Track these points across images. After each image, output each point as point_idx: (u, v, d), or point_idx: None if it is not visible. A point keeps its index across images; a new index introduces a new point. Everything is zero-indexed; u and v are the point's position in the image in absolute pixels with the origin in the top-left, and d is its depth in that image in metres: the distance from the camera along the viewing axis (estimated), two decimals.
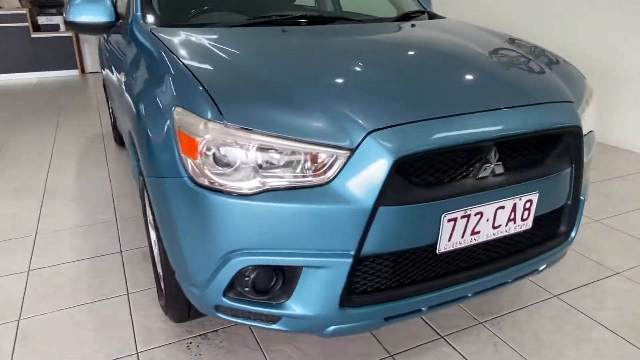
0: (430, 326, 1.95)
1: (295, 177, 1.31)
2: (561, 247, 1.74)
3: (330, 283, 1.34)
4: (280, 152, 1.30)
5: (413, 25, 2.22)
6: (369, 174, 1.27)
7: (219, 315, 1.48)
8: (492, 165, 1.43)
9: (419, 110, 1.37)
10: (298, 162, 1.31)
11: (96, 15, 2.19)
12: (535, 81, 1.66)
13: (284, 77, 1.48)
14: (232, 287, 1.41)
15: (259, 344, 1.85)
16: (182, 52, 1.65)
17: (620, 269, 2.35)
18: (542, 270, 1.77)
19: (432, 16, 2.61)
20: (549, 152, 1.56)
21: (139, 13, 2.11)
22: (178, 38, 1.80)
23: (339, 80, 1.48)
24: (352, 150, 1.29)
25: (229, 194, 1.31)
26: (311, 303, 1.38)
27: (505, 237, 1.57)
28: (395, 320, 1.50)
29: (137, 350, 1.83)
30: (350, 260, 1.32)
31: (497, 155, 1.43)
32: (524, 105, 1.49)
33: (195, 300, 1.53)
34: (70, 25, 2.23)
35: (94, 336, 1.90)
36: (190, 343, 1.86)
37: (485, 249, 1.56)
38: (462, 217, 1.41)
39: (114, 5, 2.23)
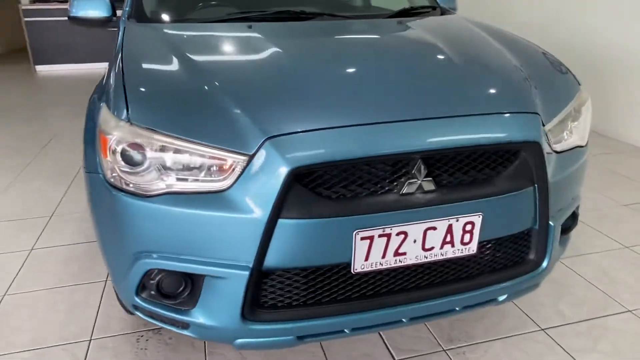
0: (387, 346, 1.81)
1: (196, 181, 1.26)
2: (528, 277, 1.54)
3: (230, 295, 1.28)
4: (182, 155, 1.25)
5: (399, 23, 2.06)
6: (265, 183, 1.19)
7: (139, 314, 1.47)
8: (419, 181, 1.27)
9: (330, 117, 1.26)
10: (199, 166, 1.25)
11: (96, 10, 2.27)
12: (492, 89, 1.46)
13: (206, 78, 1.42)
14: (144, 289, 1.39)
15: (204, 346, 1.83)
16: (131, 49, 1.65)
17: (634, 306, 2.04)
18: (503, 301, 1.57)
19: (444, 12, 2.42)
20: (498, 170, 1.37)
21: (127, 8, 2.16)
22: (139, 34, 1.81)
23: (258, 83, 1.40)
24: (250, 157, 1.21)
25: (133, 194, 1.29)
26: (214, 314, 1.32)
27: (447, 261, 1.41)
28: (311, 340, 1.40)
29: (91, 337, 1.88)
30: (247, 273, 1.24)
31: (426, 171, 1.28)
32: (462, 115, 1.32)
33: (119, 297, 1.53)
34: (73, 20, 2.33)
35: (59, 318, 1.99)
36: (141, 336, 1.88)
37: (421, 272, 1.41)
38: (380, 236, 1.27)
39: (112, 1, 2.29)
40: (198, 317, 1.35)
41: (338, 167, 1.23)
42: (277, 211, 1.20)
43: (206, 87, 1.37)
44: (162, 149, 1.26)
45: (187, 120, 1.28)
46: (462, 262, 1.45)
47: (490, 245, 1.46)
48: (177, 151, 1.25)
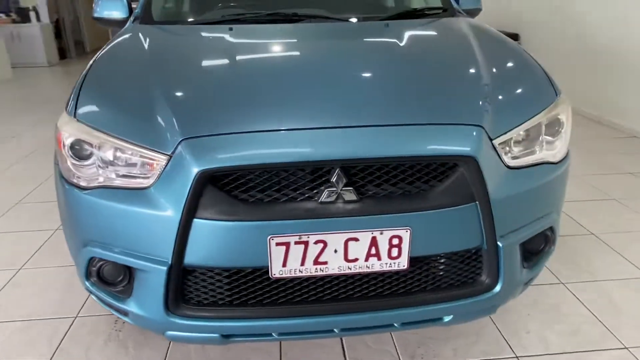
0: (345, 356, 1.78)
1: (125, 177, 1.32)
2: (478, 299, 1.44)
3: (154, 288, 1.33)
4: (116, 152, 1.32)
5: (386, 26, 2.00)
6: (179, 183, 1.23)
7: (93, 297, 1.58)
8: (338, 191, 1.24)
9: (250, 122, 1.27)
10: (130, 164, 1.32)
11: (115, 11, 2.43)
12: (435, 99, 1.39)
13: (153, 80, 1.48)
14: (90, 275, 1.48)
15: None
16: (108, 51, 1.76)
17: (633, 344, 1.83)
18: (450, 322, 1.48)
19: (454, 14, 2.30)
20: (432, 183, 1.30)
21: (137, 10, 2.29)
22: (126, 37, 1.91)
23: (195, 86, 1.44)
24: (169, 157, 1.25)
25: (77, 186, 1.38)
26: (143, 305, 1.38)
27: (380, 274, 1.36)
28: (237, 340, 1.42)
29: (77, 314, 2.04)
30: (164, 268, 1.29)
31: (345, 180, 1.24)
32: (389, 125, 1.26)
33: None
34: (97, 20, 2.51)
35: (52, 296, 2.16)
36: (119, 319, 2.00)
37: (351, 283, 1.38)
38: (297, 243, 1.26)
39: (129, 3, 2.44)
40: (133, 306, 1.42)
41: (253, 172, 1.24)
42: (192, 211, 1.23)
43: (149, 89, 1.43)
44: (101, 145, 1.34)
45: (123, 120, 1.35)
46: (397, 277, 1.39)
47: (429, 261, 1.39)
48: (112, 149, 1.32)
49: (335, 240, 1.27)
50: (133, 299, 1.41)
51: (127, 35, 1.94)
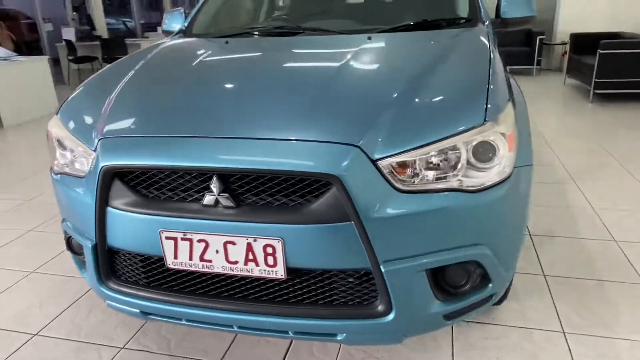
0: (286, 356, 1.85)
1: (74, 167, 1.61)
2: (370, 323, 1.41)
3: (89, 262, 1.60)
4: (73, 147, 1.61)
5: (369, 38, 1.98)
6: (94, 175, 1.46)
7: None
8: (216, 196, 1.35)
9: (158, 127, 1.44)
10: (77, 156, 1.59)
11: (176, 24, 2.82)
12: (327, 117, 1.38)
13: (122, 84, 1.74)
14: (67, 245, 1.80)
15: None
16: (121, 60, 2.08)
17: None
18: (344, 341, 1.46)
19: (475, 24, 2.17)
20: (308, 199, 1.31)
21: (185, 23, 2.63)
22: (152, 49, 2.22)
23: (142, 93, 1.66)
24: (94, 153, 1.50)
25: (55, 172, 1.72)
26: (88, 275, 1.66)
27: (271, 281, 1.43)
28: (154, 318, 1.61)
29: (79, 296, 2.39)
30: (90, 245, 1.54)
31: (222, 187, 1.34)
32: (265, 139, 1.32)
33: None
34: (165, 33, 2.93)
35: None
36: None
37: (244, 284, 1.46)
38: (183, 239, 1.40)
39: (185, 17, 2.79)
40: (85, 274, 1.71)
41: (150, 171, 1.41)
42: (103, 200, 1.45)
43: (109, 94, 1.69)
44: (63, 140, 1.64)
45: (80, 121, 1.63)
46: (286, 286, 1.43)
47: (316, 275, 1.40)
48: (69, 142, 1.62)
49: (216, 241, 1.38)
50: (85, 269, 1.69)
51: (148, 46, 2.26)
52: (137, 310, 1.61)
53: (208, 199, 1.36)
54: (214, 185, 1.34)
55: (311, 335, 1.49)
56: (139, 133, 1.45)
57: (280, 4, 2.97)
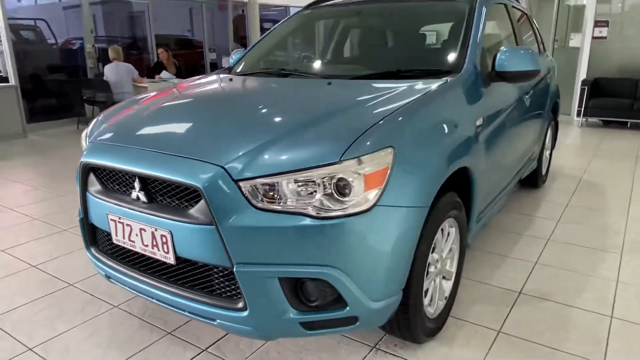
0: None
1: None
2: (232, 315, 1.71)
3: (81, 232, 2.19)
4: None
5: (329, 84, 2.27)
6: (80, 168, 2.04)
7: None
8: (136, 192, 1.81)
9: (123, 137, 1.96)
10: None
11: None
12: (217, 141, 1.75)
13: (132, 107, 2.33)
14: None
15: None
16: (162, 90, 2.71)
17: None
18: (220, 326, 1.78)
19: (447, 75, 2.31)
20: (190, 202, 1.69)
21: (230, 64, 3.22)
22: (194, 80, 2.82)
23: (148, 111, 2.21)
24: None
25: None
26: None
27: (173, 267, 1.83)
28: (113, 281, 2.12)
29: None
30: (79, 219, 2.13)
31: (139, 186, 1.79)
32: (167, 153, 1.73)
33: None
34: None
35: None
36: None
37: (156, 264, 1.89)
38: (118, 222, 1.89)
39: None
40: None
41: (106, 168, 1.93)
42: (84, 186, 2.03)
43: (120, 113, 2.29)
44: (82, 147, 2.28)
45: (92, 131, 2.25)
46: (178, 271, 1.81)
47: (197, 266, 1.76)
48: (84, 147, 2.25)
49: (135, 226, 1.83)
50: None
51: (195, 80, 2.86)
52: (104, 274, 2.14)
53: (133, 194, 1.83)
54: (136, 184, 1.81)
55: (197, 317, 1.83)
56: (102, 141, 2.00)
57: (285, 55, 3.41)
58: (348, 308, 1.68)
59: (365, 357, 2.08)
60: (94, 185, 2.00)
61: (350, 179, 1.60)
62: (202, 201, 1.64)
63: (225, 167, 1.63)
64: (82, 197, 2.05)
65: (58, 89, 8.69)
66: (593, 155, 5.67)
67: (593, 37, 7.77)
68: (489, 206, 2.73)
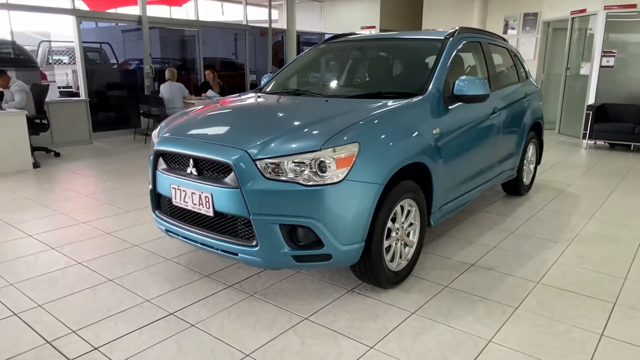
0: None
1: None
2: (249, 249, 2.60)
3: (150, 199, 3.15)
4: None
5: (326, 100, 3.18)
6: (153, 155, 3.01)
7: None
8: (190, 169, 2.74)
9: (181, 132, 2.91)
10: None
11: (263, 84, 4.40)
12: (244, 135, 2.66)
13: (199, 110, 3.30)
14: None
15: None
16: (207, 104, 3.68)
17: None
18: (240, 259, 2.66)
19: (413, 96, 3.18)
20: (225, 173, 2.61)
21: (261, 84, 4.18)
22: (231, 98, 3.79)
23: (206, 114, 3.18)
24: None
25: None
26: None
27: (206, 216, 2.74)
28: (171, 234, 3.06)
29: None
30: (149, 189, 3.09)
31: (193, 164, 2.72)
32: (212, 143, 2.66)
33: None
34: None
35: None
36: None
37: (199, 216, 2.81)
38: (177, 189, 2.83)
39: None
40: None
41: (170, 153, 2.88)
42: (155, 166, 2.99)
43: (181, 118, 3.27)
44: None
45: (160, 130, 3.23)
46: (214, 220, 2.73)
47: (227, 217, 2.66)
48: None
49: (189, 191, 2.76)
50: None
51: (232, 98, 3.84)
52: (164, 229, 3.08)
53: (187, 170, 2.77)
54: (190, 163, 2.75)
55: (226, 253, 2.73)
56: (167, 136, 2.96)
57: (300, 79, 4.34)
58: (324, 247, 2.54)
59: (343, 295, 2.92)
60: (162, 165, 2.96)
61: (327, 161, 2.47)
62: (232, 173, 2.55)
63: (248, 151, 2.54)
64: (153, 174, 3.01)
65: (118, 103, 9.99)
66: (585, 173, 6.30)
67: (601, 66, 8.39)
68: (454, 200, 3.52)
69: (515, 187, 4.97)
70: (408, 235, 3.08)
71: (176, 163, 2.89)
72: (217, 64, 13.29)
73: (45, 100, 7.43)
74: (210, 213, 2.69)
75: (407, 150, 2.84)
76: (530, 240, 3.85)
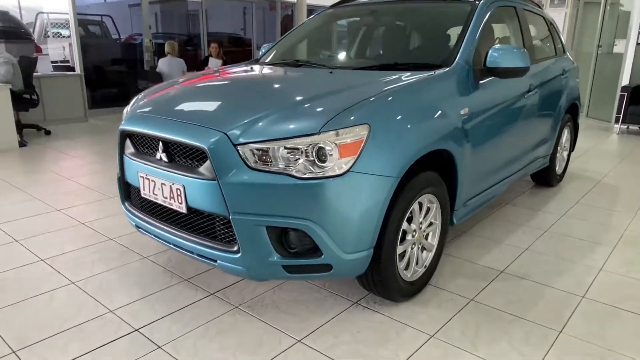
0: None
1: None
2: (230, 256, 2.08)
3: (118, 188, 2.64)
4: None
5: (331, 72, 2.61)
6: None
7: None
8: (159, 154, 2.22)
9: (149, 108, 2.38)
10: None
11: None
12: (223, 112, 2.12)
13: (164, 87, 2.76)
14: None
15: None
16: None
17: None
18: (220, 267, 2.15)
19: (439, 67, 2.61)
20: (199, 160, 2.08)
21: (260, 55, 3.62)
22: (232, 67, 3.25)
23: (186, 87, 2.64)
24: None
25: None
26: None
27: (187, 216, 2.23)
28: (141, 230, 2.55)
29: None
30: (117, 177, 2.58)
31: (163, 148, 2.20)
32: (181, 121, 2.13)
33: None
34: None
35: None
36: None
37: (172, 213, 2.29)
38: (145, 178, 2.31)
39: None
40: None
41: (137, 133, 2.35)
42: (122, 150, 2.47)
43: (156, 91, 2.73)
44: None
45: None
46: (189, 219, 2.21)
47: (203, 214, 2.14)
48: None
49: (158, 182, 2.24)
50: None
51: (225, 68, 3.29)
52: (134, 224, 2.58)
53: (157, 155, 2.24)
54: (160, 147, 2.22)
55: (203, 258, 2.22)
56: (136, 112, 2.43)
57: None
58: (323, 256, 2.02)
59: (346, 308, 2.40)
60: (129, 149, 2.44)
61: (328, 148, 1.93)
62: (208, 161, 2.02)
63: (227, 133, 2.00)
64: (120, 159, 2.50)
65: (117, 79, 9.47)
66: (621, 161, 5.67)
67: (638, 43, 7.65)
68: (481, 194, 2.97)
69: (547, 177, 4.38)
70: (427, 237, 2.54)
71: (145, 146, 2.37)
72: (225, 39, 12.72)
73: (35, 74, 6.94)
74: (183, 209, 2.17)
75: (429, 134, 2.28)
76: (568, 241, 3.29)
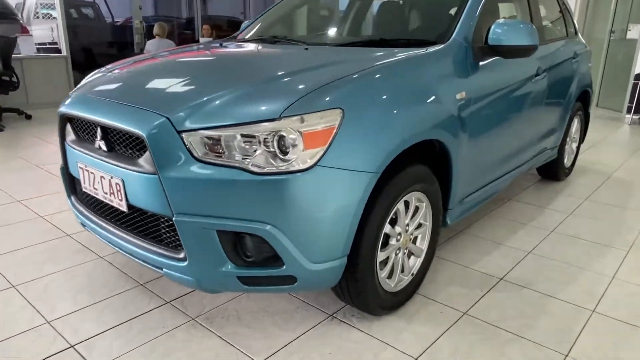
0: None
1: None
2: (175, 264, 1.76)
3: (63, 181, 2.31)
4: None
5: (306, 49, 2.25)
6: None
7: None
8: (98, 142, 1.88)
9: (95, 91, 2.03)
10: None
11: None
12: (168, 94, 1.80)
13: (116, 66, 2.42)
14: None
15: None
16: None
17: None
18: (167, 275, 1.83)
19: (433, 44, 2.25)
20: (139, 150, 1.74)
21: (238, 32, 3.26)
22: (202, 45, 2.90)
23: (138, 67, 2.30)
24: None
25: None
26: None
27: (129, 215, 1.90)
28: (87, 229, 2.23)
29: None
30: (61, 168, 2.24)
31: (101, 135, 1.86)
32: (127, 104, 1.78)
33: None
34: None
35: None
36: None
37: (116, 212, 1.96)
38: (85, 170, 1.98)
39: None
40: None
41: (78, 118, 2.01)
42: (62, 137, 2.13)
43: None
44: None
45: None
46: (132, 219, 1.88)
47: (146, 215, 1.81)
48: None
49: (97, 174, 1.91)
50: None
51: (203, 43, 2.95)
52: (80, 221, 2.25)
53: (95, 143, 1.91)
54: (98, 133, 1.88)
55: (148, 264, 1.89)
56: (77, 93, 2.09)
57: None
58: (284, 267, 1.68)
59: (319, 323, 2.08)
60: (70, 135, 2.10)
61: (291, 137, 1.59)
62: (148, 151, 1.68)
63: (170, 117, 1.66)
64: (62, 146, 2.16)
65: (107, 62, 9.11)
66: (633, 153, 5.30)
67: None
68: (479, 190, 2.62)
69: (554, 171, 4.02)
70: (414, 241, 2.21)
71: (85, 133, 2.03)
72: (224, 23, 12.31)
73: (17, 55, 6.60)
74: (124, 207, 1.84)
75: (418, 122, 1.93)
76: (577, 244, 2.95)
